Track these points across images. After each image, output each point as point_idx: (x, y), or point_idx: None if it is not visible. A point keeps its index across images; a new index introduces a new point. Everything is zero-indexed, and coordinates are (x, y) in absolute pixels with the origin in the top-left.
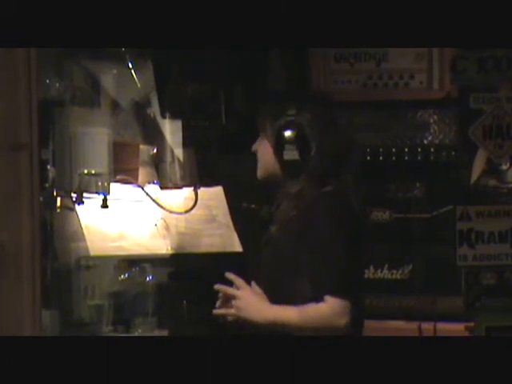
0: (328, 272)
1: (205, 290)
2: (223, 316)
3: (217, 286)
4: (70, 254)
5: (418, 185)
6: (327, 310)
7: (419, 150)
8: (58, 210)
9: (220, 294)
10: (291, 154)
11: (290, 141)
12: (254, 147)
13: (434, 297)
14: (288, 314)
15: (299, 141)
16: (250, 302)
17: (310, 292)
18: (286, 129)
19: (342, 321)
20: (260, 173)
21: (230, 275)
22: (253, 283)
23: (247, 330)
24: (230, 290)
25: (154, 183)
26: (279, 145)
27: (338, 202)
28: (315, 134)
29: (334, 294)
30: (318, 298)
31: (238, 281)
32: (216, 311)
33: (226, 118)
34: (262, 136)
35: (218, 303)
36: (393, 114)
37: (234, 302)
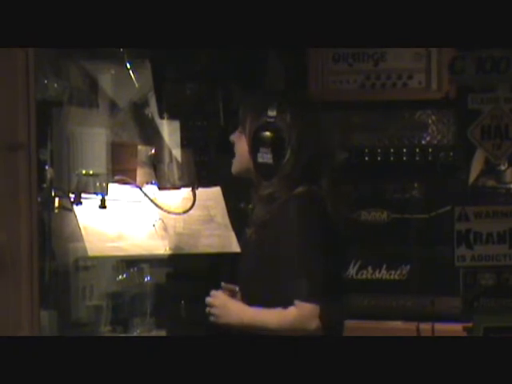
0: (297, 276)
1: (203, 290)
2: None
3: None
4: (68, 255)
5: (416, 185)
6: (296, 314)
7: (417, 150)
8: (56, 211)
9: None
10: (265, 157)
11: (265, 144)
12: (232, 138)
13: (432, 297)
14: (262, 317)
15: (275, 145)
16: (225, 308)
17: (283, 295)
18: (263, 131)
19: (312, 325)
20: (235, 167)
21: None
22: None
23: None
24: (207, 300)
25: (152, 184)
26: (255, 146)
27: (308, 204)
28: (292, 139)
29: (302, 298)
30: (289, 302)
31: (213, 291)
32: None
33: (224, 118)
34: (240, 130)
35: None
36: (391, 115)
37: (209, 310)
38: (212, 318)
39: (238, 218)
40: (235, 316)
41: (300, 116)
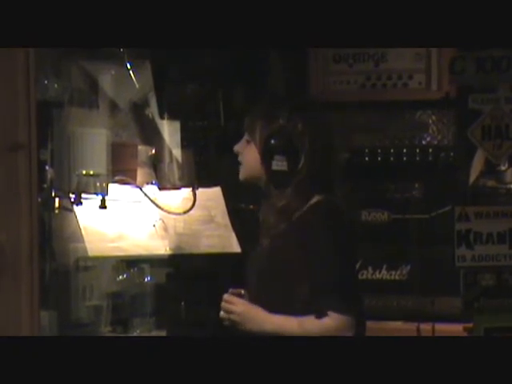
0: (329, 287)
1: (203, 290)
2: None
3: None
4: (69, 255)
5: (416, 185)
6: (332, 324)
7: (418, 150)
8: (57, 211)
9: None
10: (280, 164)
11: (279, 151)
12: (237, 148)
13: (433, 297)
14: (288, 325)
15: (289, 151)
16: (247, 316)
17: (310, 305)
18: (276, 137)
19: (348, 335)
20: (243, 176)
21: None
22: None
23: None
24: (227, 307)
25: (152, 184)
26: (267, 153)
27: (329, 213)
28: (305, 145)
29: (337, 309)
30: (320, 312)
31: (231, 298)
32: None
33: (225, 118)
34: (248, 138)
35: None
36: (391, 115)
37: (231, 318)
38: (230, 324)
39: (238, 218)
40: (256, 324)
41: (310, 120)
